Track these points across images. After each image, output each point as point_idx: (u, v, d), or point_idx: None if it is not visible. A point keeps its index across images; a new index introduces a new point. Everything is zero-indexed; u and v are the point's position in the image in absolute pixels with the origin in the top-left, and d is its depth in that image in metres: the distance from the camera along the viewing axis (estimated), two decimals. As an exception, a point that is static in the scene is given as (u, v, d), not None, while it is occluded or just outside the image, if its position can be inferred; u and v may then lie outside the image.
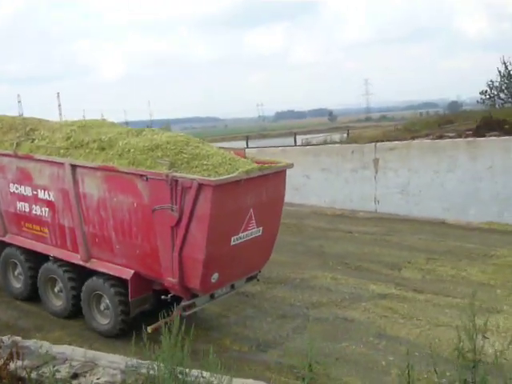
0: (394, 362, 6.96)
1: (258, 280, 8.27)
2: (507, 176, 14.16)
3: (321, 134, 45.92)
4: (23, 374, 4.55)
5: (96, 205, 7.48)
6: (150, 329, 6.94)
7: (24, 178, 8.44)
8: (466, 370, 6.53)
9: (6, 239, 9.07)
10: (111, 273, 7.54)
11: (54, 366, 4.54)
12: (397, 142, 17.70)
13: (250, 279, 8.06)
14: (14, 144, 8.47)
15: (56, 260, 8.29)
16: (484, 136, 18.91)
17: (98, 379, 4.53)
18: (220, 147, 8.11)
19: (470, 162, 14.74)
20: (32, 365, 4.77)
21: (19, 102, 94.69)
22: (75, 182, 7.61)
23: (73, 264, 8.08)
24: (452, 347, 7.10)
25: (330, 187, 16.93)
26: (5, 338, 5.57)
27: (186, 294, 7.05)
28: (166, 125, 54.48)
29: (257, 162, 7.65)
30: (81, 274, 8.04)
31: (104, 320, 7.78)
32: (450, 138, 23.01)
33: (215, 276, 6.90)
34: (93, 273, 7.82)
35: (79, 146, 7.79)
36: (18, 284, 9.10)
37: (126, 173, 6.99)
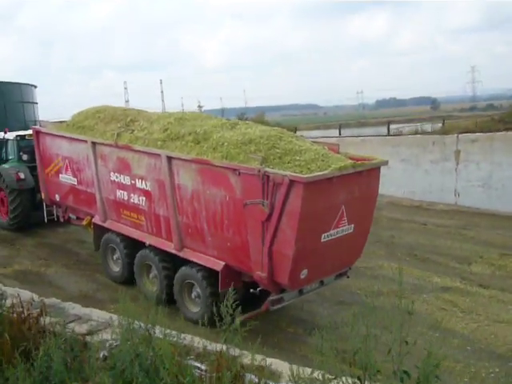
0: (444, 353, 6.82)
1: (347, 277, 8.15)
2: None
3: (417, 124, 44.35)
4: (50, 328, 5.22)
5: (190, 196, 7.65)
6: (238, 319, 7.06)
7: (123, 167, 8.78)
8: None
9: (106, 225, 9.51)
10: (203, 263, 7.70)
11: (73, 323, 5.58)
12: (480, 134, 17.10)
13: (339, 276, 7.96)
14: (115, 134, 8.83)
15: (151, 247, 8.58)
16: None
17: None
18: (314, 141, 8.02)
19: None
20: (59, 321, 5.52)
21: (125, 88, 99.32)
22: (171, 173, 7.82)
23: (167, 252, 8.34)
24: (508, 344, 7.25)
25: (409, 178, 16.62)
26: (35, 297, 6.60)
27: (275, 289, 7.06)
28: (260, 113, 54.73)
29: (351, 158, 7.49)
30: (175, 262, 8.28)
31: (194, 308, 7.98)
32: None
33: (304, 272, 6.86)
34: (185, 262, 8.03)
35: (175, 138, 7.98)
36: (116, 268, 9.52)
37: (219, 166, 7.08)
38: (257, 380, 3.76)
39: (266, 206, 6.56)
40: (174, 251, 8.14)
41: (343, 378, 3.14)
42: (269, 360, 4.72)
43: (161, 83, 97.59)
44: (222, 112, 66.29)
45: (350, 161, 7.21)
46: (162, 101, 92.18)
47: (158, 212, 8.31)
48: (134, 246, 9.05)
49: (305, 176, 6.30)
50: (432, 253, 11.08)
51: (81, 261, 11.18)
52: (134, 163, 8.54)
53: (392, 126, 37.54)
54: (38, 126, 11.55)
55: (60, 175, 10.56)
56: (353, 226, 7.22)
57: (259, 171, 6.53)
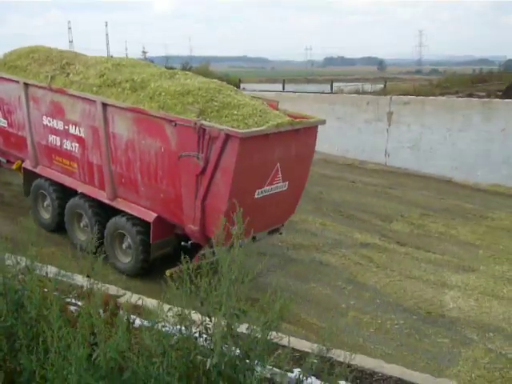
0: (354, 305, 7.35)
1: (280, 233, 8.25)
2: None
3: (358, 83, 44.87)
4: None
5: (124, 145, 7.48)
6: (168, 272, 7.08)
7: (57, 111, 8.47)
8: (419, 320, 7.10)
9: (37, 170, 9.22)
10: (135, 214, 7.61)
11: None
12: (412, 97, 17.77)
13: (272, 232, 8.04)
14: (49, 77, 8.47)
15: (83, 195, 8.40)
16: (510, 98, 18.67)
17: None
18: (254, 96, 7.94)
19: (483, 122, 14.67)
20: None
21: (69, 28, 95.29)
22: (106, 120, 7.60)
23: (99, 201, 8.19)
24: (414, 299, 7.75)
25: (343, 136, 16.85)
26: None
27: (206, 243, 7.07)
28: (204, 63, 53.96)
29: (289, 116, 7.49)
30: (106, 211, 8.15)
31: (125, 258, 7.92)
32: (480, 97, 22.63)
33: (235, 227, 6.87)
34: (117, 212, 7.92)
35: (112, 84, 7.73)
36: (46, 215, 9.29)
37: (155, 116, 6.93)
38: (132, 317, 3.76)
39: (201, 160, 6.49)
40: (106, 201, 7.99)
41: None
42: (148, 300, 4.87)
43: (106, 26, 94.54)
44: (167, 59, 65.05)
45: (288, 118, 7.21)
46: (107, 44, 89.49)
47: (91, 160, 8.10)
48: (64, 193, 8.83)
49: (241, 131, 6.25)
50: (357, 210, 11.44)
51: (4, 202, 10.97)
52: (68, 108, 8.24)
53: (335, 84, 37.88)
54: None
55: (-11, 116, 10.09)
56: (287, 183, 7.27)
57: (195, 124, 6.42)
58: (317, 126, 7.52)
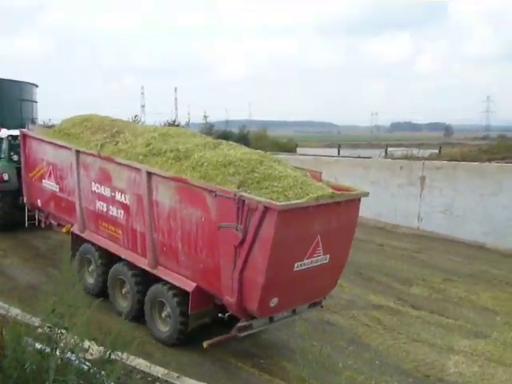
0: (351, 365, 7.23)
1: (321, 307, 8.03)
2: None
3: (408, 148, 44.44)
4: None
5: (167, 214, 7.54)
6: (205, 344, 6.96)
7: (104, 178, 8.69)
8: (414, 383, 6.96)
9: (84, 235, 9.39)
10: (175, 283, 7.57)
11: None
12: (445, 162, 18.11)
13: (313, 305, 7.83)
14: (99, 145, 8.74)
15: (126, 262, 8.46)
16: None
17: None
18: (296, 167, 7.92)
19: None
20: None
21: (142, 93, 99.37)
22: (150, 188, 7.72)
23: (140, 268, 8.21)
24: (415, 362, 7.53)
25: (377, 200, 16.64)
26: None
27: (244, 315, 6.93)
28: (262, 127, 55.11)
29: (332, 187, 7.40)
30: (148, 279, 8.16)
31: (164, 327, 7.84)
32: None
33: (274, 300, 6.73)
34: (158, 279, 7.91)
35: (157, 153, 7.89)
36: (90, 279, 9.38)
37: (197, 186, 6.98)
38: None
39: (240, 231, 6.44)
40: (147, 268, 8.01)
41: None
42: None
43: (175, 91, 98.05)
44: (226, 123, 66.94)
45: (330, 190, 7.11)
46: (176, 108, 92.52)
47: (135, 227, 8.19)
48: (109, 258, 8.92)
49: (279, 204, 6.18)
50: (378, 272, 11.28)
51: (39, 255, 11.49)
52: (115, 175, 8.45)
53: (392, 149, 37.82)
54: (25, 129, 11.43)
55: (43, 180, 10.46)
56: (328, 256, 7.10)
57: (235, 195, 6.42)
58: (359, 199, 7.39)
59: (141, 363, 6.35)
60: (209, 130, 52.99)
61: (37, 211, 11.55)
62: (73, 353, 4.19)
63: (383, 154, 32.81)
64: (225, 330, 7.16)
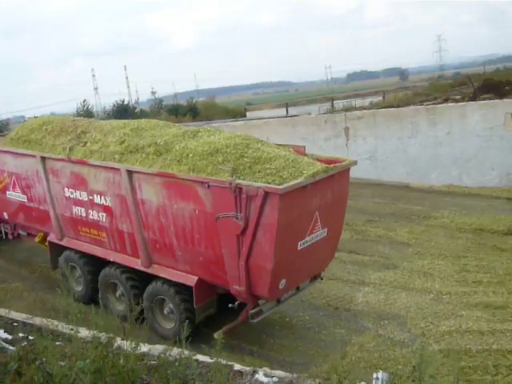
0: None
1: (321, 279, 8.07)
2: (464, 141, 15.30)
3: (355, 99, 44.68)
4: None
5: (155, 211, 7.31)
6: (216, 335, 6.86)
7: (79, 182, 8.32)
8: (324, 316, 7.87)
9: (63, 243, 9.03)
10: (174, 279, 7.41)
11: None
12: (364, 111, 19.28)
13: (314, 279, 7.86)
14: (67, 149, 8.34)
15: (115, 265, 8.20)
16: (480, 98, 19.63)
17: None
18: (279, 145, 7.81)
19: (430, 128, 15.90)
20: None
21: (93, 75, 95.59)
22: (132, 187, 7.44)
23: (133, 269, 7.99)
24: (328, 297, 8.34)
25: None
26: None
27: (253, 301, 6.89)
28: (211, 96, 55.20)
29: (318, 160, 7.36)
30: (141, 278, 7.96)
31: (168, 324, 7.70)
32: (455, 101, 23.11)
33: (283, 282, 6.71)
34: (154, 277, 7.72)
35: (134, 150, 7.60)
36: (78, 287, 9.07)
37: (187, 180, 6.77)
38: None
39: (240, 219, 6.33)
40: (142, 268, 7.80)
41: None
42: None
43: (125, 69, 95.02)
44: (175, 96, 66.49)
45: (320, 164, 7.06)
46: (128, 87, 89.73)
47: (121, 228, 7.92)
48: (95, 263, 8.63)
49: (280, 187, 6.08)
50: None
51: None
52: (91, 178, 8.09)
53: (338, 102, 38.06)
54: (-23, 141, 10.74)
55: (7, 192, 9.89)
56: (326, 229, 7.11)
57: (230, 184, 6.27)
58: (349, 168, 7.39)
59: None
60: (158, 105, 52.53)
61: (1, 224, 10.99)
62: None
63: (325, 108, 32.91)
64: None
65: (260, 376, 5.23)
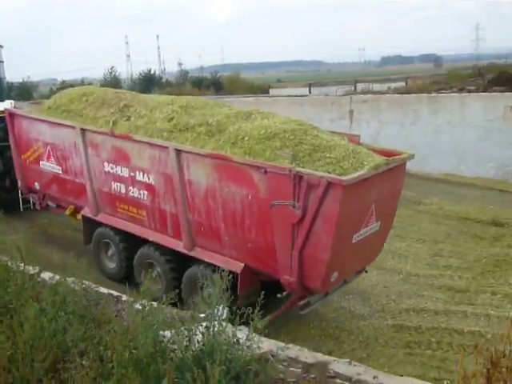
0: None
1: (366, 272, 7.89)
2: (464, 131, 15.56)
3: (375, 84, 44.02)
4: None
5: (204, 193, 7.08)
6: (264, 322, 6.67)
7: (120, 158, 8.09)
8: None
9: (99, 218, 8.82)
10: (218, 264, 7.18)
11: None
12: (370, 96, 19.60)
13: (359, 272, 7.68)
14: (111, 122, 8.08)
15: (154, 244, 8.00)
16: (491, 91, 19.75)
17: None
18: (333, 132, 7.55)
19: (431, 116, 16.20)
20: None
21: (126, 43, 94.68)
22: (180, 167, 7.21)
23: (172, 250, 7.80)
24: None
25: None
26: None
27: (303, 293, 6.70)
28: (235, 70, 55.18)
29: (374, 151, 7.11)
30: (181, 260, 7.77)
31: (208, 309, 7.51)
32: (469, 91, 22.89)
33: (335, 275, 6.51)
34: (195, 261, 7.53)
35: (184, 129, 7.34)
36: (111, 264, 8.89)
37: (242, 163, 6.53)
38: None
39: (298, 208, 6.10)
40: (183, 250, 7.59)
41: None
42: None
43: (157, 39, 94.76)
44: (201, 69, 66.95)
45: (378, 156, 6.83)
46: (159, 56, 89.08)
47: (163, 208, 7.70)
48: (131, 241, 8.44)
49: (345, 179, 5.83)
50: None
51: None
52: (134, 154, 7.85)
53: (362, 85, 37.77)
54: (12, 107, 10.46)
55: (41, 162, 9.67)
56: (379, 223, 6.90)
57: (290, 171, 6.03)
58: (406, 162, 7.15)
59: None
60: (184, 76, 52.73)
61: (31, 194, 10.78)
62: None
63: (343, 90, 32.44)
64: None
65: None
